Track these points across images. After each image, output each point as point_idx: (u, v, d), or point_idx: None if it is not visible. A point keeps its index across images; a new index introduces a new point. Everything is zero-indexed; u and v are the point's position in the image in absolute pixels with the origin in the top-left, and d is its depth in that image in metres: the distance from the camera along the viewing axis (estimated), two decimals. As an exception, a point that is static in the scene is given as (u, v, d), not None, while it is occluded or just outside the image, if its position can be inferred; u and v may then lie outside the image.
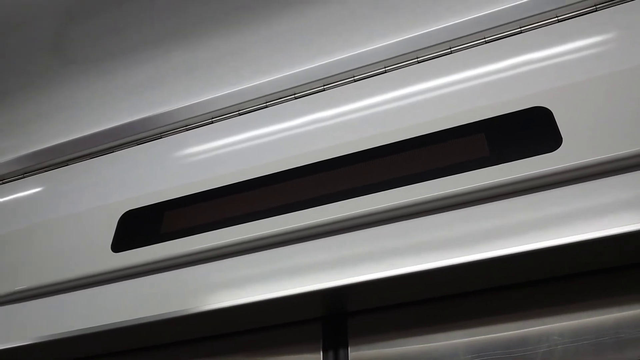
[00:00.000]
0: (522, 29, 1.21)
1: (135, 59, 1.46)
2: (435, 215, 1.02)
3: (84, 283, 1.25)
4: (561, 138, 0.99)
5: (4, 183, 1.63)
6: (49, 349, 1.22)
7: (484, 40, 1.23)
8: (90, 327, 1.16)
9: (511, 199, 0.98)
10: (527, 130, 1.03)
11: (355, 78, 1.33)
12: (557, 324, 0.95)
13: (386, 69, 1.30)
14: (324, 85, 1.35)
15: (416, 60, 1.28)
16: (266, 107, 1.39)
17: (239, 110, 1.42)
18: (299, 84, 1.37)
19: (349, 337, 1.09)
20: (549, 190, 0.97)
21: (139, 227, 1.28)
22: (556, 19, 1.19)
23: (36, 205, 1.51)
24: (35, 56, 1.50)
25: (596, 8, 1.16)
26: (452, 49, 1.26)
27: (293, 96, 1.37)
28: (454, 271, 0.95)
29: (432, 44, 1.27)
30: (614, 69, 1.04)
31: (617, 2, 1.15)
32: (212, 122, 1.43)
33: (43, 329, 1.21)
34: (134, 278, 1.22)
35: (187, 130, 1.46)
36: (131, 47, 1.45)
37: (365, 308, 1.10)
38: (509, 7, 1.23)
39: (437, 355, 1.00)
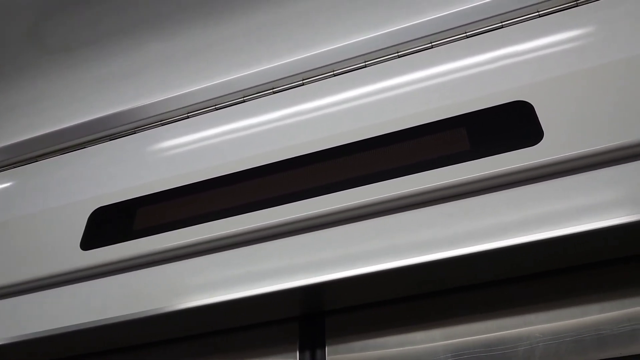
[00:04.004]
0: (503, 23, 1.20)
1: (109, 50, 1.42)
2: (415, 210, 1.00)
3: (51, 282, 1.21)
4: (542, 132, 0.97)
5: (-30, 179, 1.57)
6: (13, 350, 1.17)
7: (465, 34, 1.22)
8: (56, 328, 1.11)
9: (492, 193, 0.97)
10: (508, 125, 1.01)
11: (334, 72, 1.30)
12: (538, 322, 0.94)
13: (366, 63, 1.28)
14: (303, 80, 1.32)
15: (397, 54, 1.26)
16: (244, 101, 1.36)
17: (216, 105, 1.38)
18: (278, 78, 1.33)
19: (327, 337, 1.06)
20: (529, 185, 0.95)
21: (111, 224, 1.24)
22: (537, 13, 1.18)
23: (3, 202, 1.45)
24: (5, 47, 1.45)
25: (577, 3, 1.16)
26: (433, 44, 1.24)
27: (271, 90, 1.34)
28: (432, 268, 0.93)
29: (413, 38, 1.25)
30: (595, 63, 1.03)
31: (598, -3, 1.14)
32: (187, 117, 1.39)
33: (8, 330, 1.16)
34: (103, 277, 1.18)
35: (162, 125, 1.41)
36: (104, 38, 1.40)
37: (343, 307, 1.08)
38: (491, 1, 1.22)
39: (416, 355, 0.98)
